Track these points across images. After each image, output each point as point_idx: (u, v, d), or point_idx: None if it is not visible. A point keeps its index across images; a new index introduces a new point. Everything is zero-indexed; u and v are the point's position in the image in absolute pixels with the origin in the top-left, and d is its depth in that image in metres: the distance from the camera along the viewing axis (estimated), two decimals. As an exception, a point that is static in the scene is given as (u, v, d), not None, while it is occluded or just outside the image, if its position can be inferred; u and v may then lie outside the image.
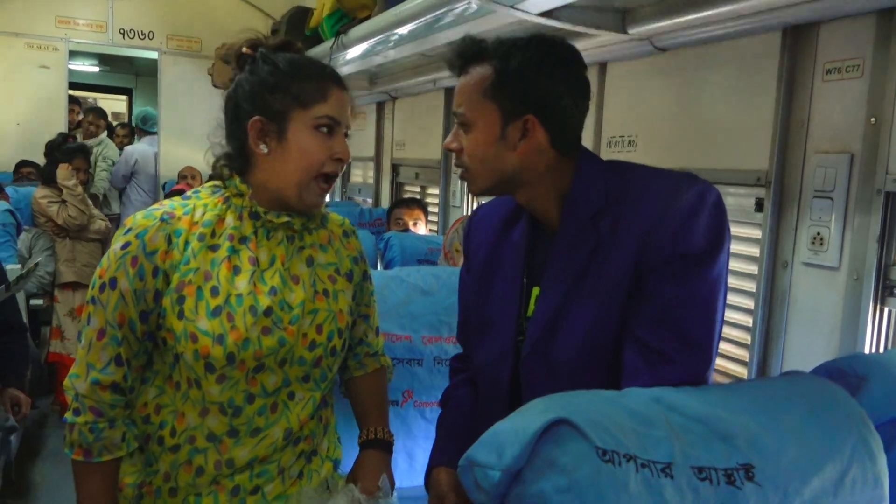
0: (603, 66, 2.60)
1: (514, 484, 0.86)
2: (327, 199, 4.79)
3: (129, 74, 9.28)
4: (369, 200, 4.99)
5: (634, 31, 2.19)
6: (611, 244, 1.18)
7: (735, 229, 2.13)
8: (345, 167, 1.35)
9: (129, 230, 1.25)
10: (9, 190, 4.47)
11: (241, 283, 1.26)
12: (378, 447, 1.45)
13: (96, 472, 1.28)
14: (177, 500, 1.31)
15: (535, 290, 1.27)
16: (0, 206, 3.70)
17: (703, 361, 1.14)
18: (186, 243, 1.26)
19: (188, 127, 5.77)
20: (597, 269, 1.19)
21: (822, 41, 1.85)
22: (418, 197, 4.05)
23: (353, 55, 3.27)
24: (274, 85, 1.27)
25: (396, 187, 4.64)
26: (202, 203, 1.31)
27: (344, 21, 3.29)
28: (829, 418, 0.99)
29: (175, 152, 5.89)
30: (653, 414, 0.93)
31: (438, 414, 1.47)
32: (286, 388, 1.32)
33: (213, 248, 1.28)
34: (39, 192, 4.02)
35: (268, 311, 1.27)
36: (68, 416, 1.27)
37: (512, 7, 2.03)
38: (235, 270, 1.27)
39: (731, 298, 2.14)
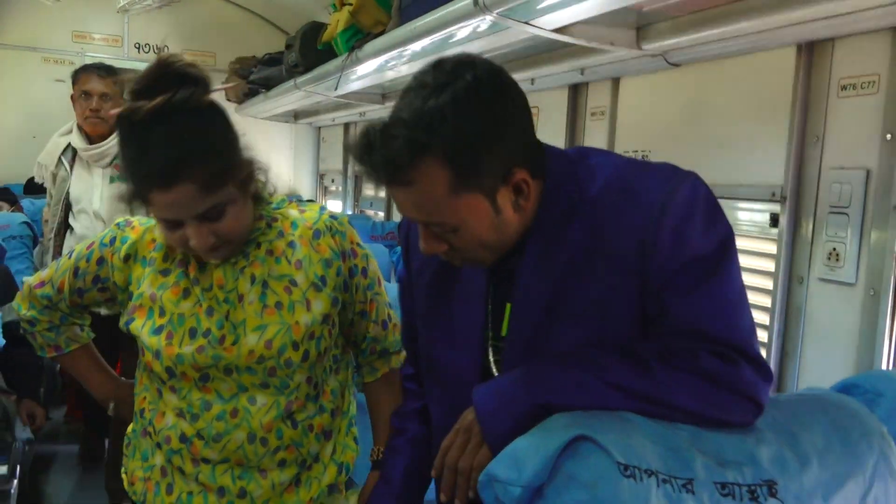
0: (616, 81, 2.61)
1: (536, 500, 0.86)
2: (338, 211, 4.73)
3: (143, 88, 9.36)
4: (381, 213, 5.01)
5: (648, 46, 2.20)
6: (596, 256, 1.03)
7: (750, 244, 2.14)
8: (223, 236, 1.23)
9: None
10: (24, 202, 4.51)
11: (186, 305, 1.31)
12: None
13: (80, 359, 1.54)
14: (172, 497, 1.36)
15: (509, 307, 1.13)
16: (17, 218, 3.74)
17: (752, 364, 0.98)
18: (141, 259, 1.35)
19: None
20: (583, 284, 1.04)
21: (838, 57, 1.86)
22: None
23: (365, 70, 3.29)
24: (125, 170, 1.22)
25: (408, 201, 4.65)
26: None
27: (358, 36, 3.31)
28: (850, 435, 0.99)
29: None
30: (673, 429, 0.93)
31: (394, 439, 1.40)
32: (244, 394, 1.31)
33: (164, 272, 1.34)
34: (54, 205, 4.03)
35: (206, 333, 1.29)
36: (26, 327, 1.47)
37: (527, 23, 2.05)
38: (185, 293, 1.32)
39: (746, 314, 2.13)
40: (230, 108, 5.13)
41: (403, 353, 1.52)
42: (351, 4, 3.32)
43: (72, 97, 2.87)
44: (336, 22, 3.50)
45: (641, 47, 2.21)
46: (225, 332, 1.29)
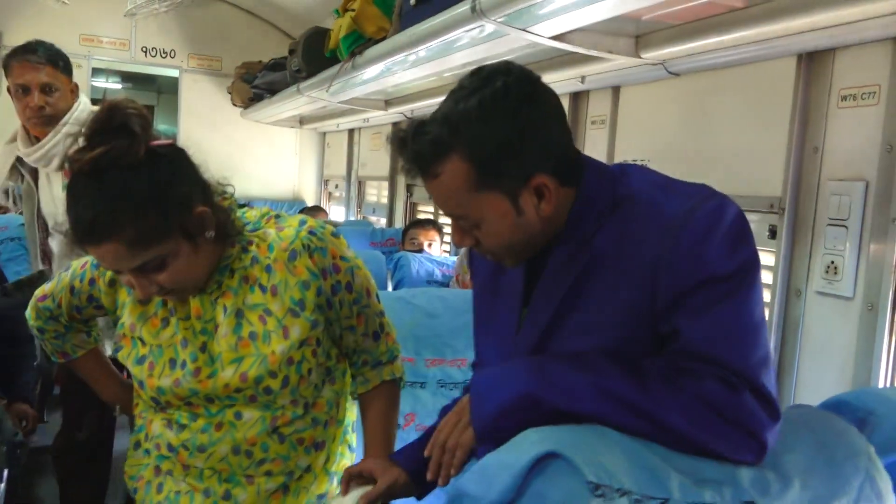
0: (616, 90, 2.59)
1: (505, 517, 0.83)
2: (341, 217, 4.69)
3: (152, 92, 9.40)
4: (383, 220, 4.99)
5: (648, 55, 2.18)
6: (612, 268, 1.03)
7: (747, 256, 2.10)
8: (166, 287, 1.22)
9: None
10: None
11: (165, 336, 1.32)
12: None
13: (88, 363, 1.58)
14: (161, 496, 1.38)
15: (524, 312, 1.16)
16: (15, 220, 3.73)
17: (758, 396, 0.92)
18: (123, 285, 1.34)
19: (207, 145, 5.79)
20: (595, 296, 1.04)
21: (838, 68, 1.83)
22: (432, 217, 4.04)
23: (367, 76, 3.28)
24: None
25: (410, 207, 4.64)
26: None
27: (360, 42, 3.30)
28: (835, 455, 0.95)
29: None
30: (651, 448, 0.90)
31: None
32: (231, 409, 1.32)
33: (143, 301, 1.34)
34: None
35: (183, 364, 1.30)
36: (36, 335, 1.53)
37: (524, 30, 2.03)
38: (164, 323, 1.32)
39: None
40: (236, 112, 5.10)
41: (398, 364, 1.51)
42: (353, 10, 3.31)
43: (7, 90, 2.26)
44: (339, 27, 3.49)
45: (641, 56, 2.19)
46: (200, 364, 1.29)
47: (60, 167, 2.19)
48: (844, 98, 1.80)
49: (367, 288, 1.42)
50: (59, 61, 2.26)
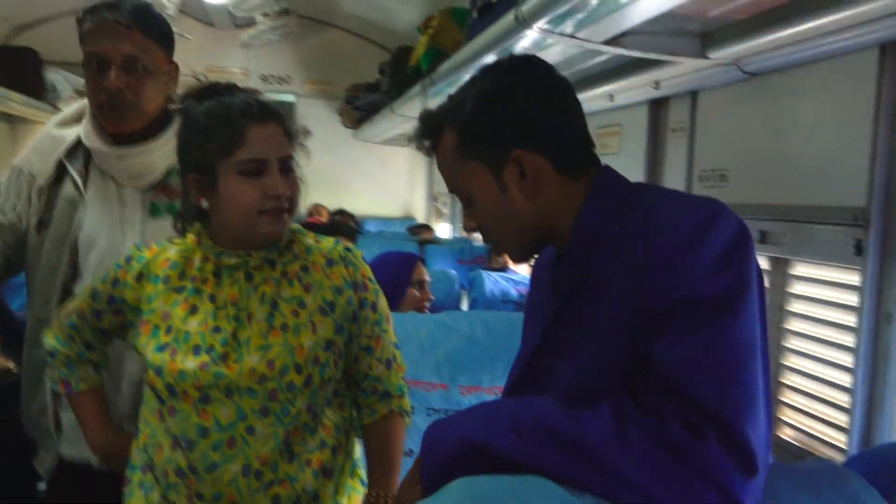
0: (693, 95, 2.39)
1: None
2: (447, 234, 4.66)
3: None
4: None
5: (716, 55, 2.00)
6: (602, 282, 0.95)
7: (831, 274, 1.87)
8: (292, 198, 1.31)
9: None
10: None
11: (194, 323, 1.30)
12: None
13: (86, 400, 1.50)
14: None
15: None
16: None
17: (727, 443, 0.78)
18: (153, 278, 1.36)
19: (321, 166, 5.98)
20: (587, 313, 0.96)
21: (929, 56, 1.59)
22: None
23: (446, 92, 3.24)
24: (196, 139, 1.29)
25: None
26: (181, 242, 1.38)
27: (438, 58, 3.28)
28: (839, 527, 0.79)
29: (306, 191, 6.11)
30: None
31: None
32: (243, 422, 1.28)
33: (178, 289, 1.34)
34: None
35: (210, 349, 1.28)
36: (47, 357, 1.49)
37: (571, 37, 1.91)
38: (193, 310, 1.32)
39: (827, 353, 1.86)
40: (347, 134, 5.24)
41: (407, 399, 1.47)
42: (432, 28, 3.30)
43: (82, 65, 1.55)
44: (420, 45, 3.49)
45: (708, 56, 2.01)
46: (228, 349, 1.29)
47: (157, 186, 1.62)
48: (936, 91, 1.56)
49: (387, 314, 1.45)
50: (152, 26, 1.55)
